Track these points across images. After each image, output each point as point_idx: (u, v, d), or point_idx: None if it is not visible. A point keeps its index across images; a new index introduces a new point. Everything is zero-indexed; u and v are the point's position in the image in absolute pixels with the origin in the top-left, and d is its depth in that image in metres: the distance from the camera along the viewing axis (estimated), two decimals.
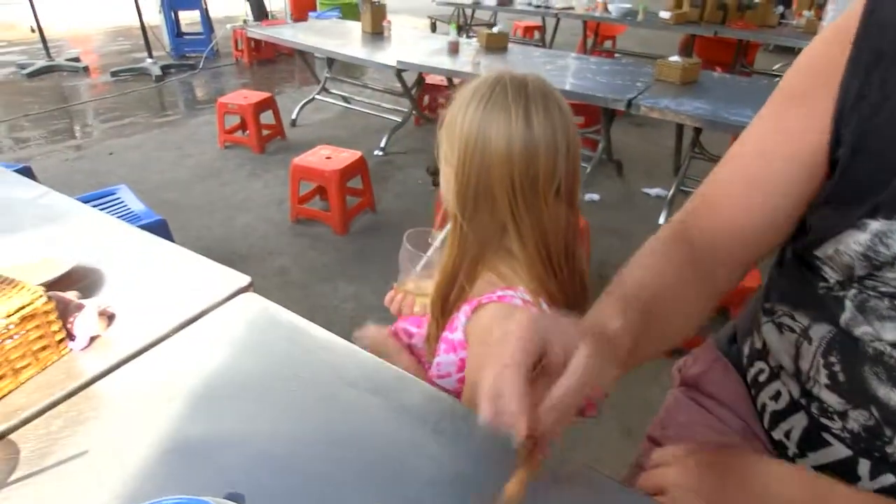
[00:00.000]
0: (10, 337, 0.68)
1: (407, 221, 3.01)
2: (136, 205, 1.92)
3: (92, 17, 8.72)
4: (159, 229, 1.81)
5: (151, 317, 0.83)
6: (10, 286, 0.72)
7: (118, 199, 1.96)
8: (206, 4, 6.19)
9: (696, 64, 2.87)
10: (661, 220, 2.89)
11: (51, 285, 0.85)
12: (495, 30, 3.68)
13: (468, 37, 5.95)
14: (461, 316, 0.84)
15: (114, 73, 5.50)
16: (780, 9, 4.99)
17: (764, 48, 6.17)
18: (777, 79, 5.62)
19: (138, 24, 5.33)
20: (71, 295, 0.81)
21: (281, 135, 4.01)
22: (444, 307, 0.84)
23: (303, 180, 2.89)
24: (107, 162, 3.67)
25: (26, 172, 2.12)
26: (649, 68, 3.15)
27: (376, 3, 4.03)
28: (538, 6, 5.32)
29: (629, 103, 2.58)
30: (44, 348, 0.73)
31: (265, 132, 3.87)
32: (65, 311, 0.76)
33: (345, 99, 4.57)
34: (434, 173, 3.35)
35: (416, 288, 0.99)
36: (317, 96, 4.42)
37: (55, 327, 0.74)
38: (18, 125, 4.24)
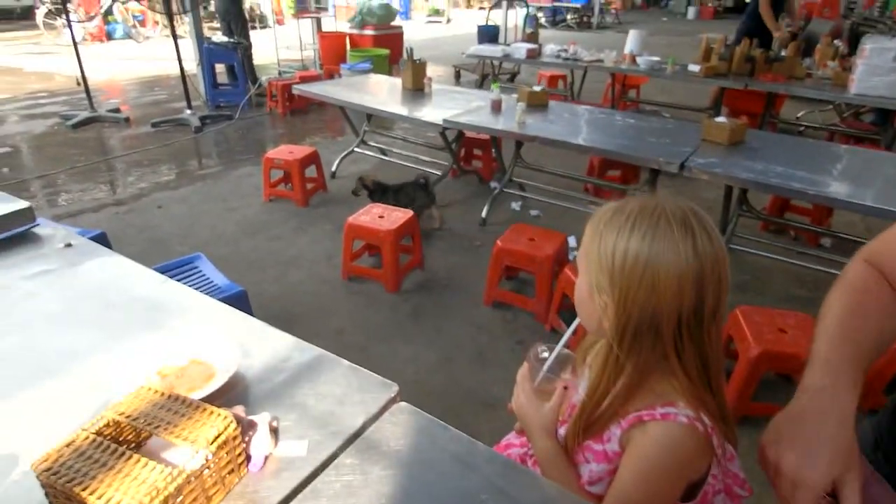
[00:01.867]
0: (208, 466, 0.70)
1: (456, 278, 3.05)
2: (214, 274, 1.96)
3: (126, 66, 9.03)
4: (240, 300, 1.85)
5: (309, 430, 0.85)
6: (201, 411, 0.75)
7: (196, 268, 2.00)
8: (242, 57, 6.40)
9: (743, 125, 2.92)
10: None
11: (211, 396, 0.87)
12: (531, 86, 3.77)
13: (494, 81, 6.08)
14: (615, 429, 0.85)
15: (154, 124, 5.66)
16: (807, 61, 5.10)
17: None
18: (804, 128, 5.70)
19: (171, 73, 5.51)
20: (239, 410, 0.83)
21: (323, 188, 4.09)
22: (590, 425, 0.85)
23: (356, 239, 2.94)
24: (156, 216, 3.75)
25: (102, 239, 2.19)
26: (693, 126, 3.21)
27: (417, 60, 4.15)
28: (567, 59, 5.45)
29: (682, 166, 2.62)
30: (231, 472, 0.75)
31: (309, 185, 3.95)
32: (242, 431, 0.78)
33: (382, 151, 4.66)
34: (366, 187, 3.41)
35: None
36: (355, 149, 4.51)
37: (238, 450, 0.76)
38: (66, 178, 4.36)
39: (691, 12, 18.35)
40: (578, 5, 15.36)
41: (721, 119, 2.98)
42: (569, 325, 0.93)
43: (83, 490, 0.63)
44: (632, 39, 5.37)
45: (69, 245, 1.42)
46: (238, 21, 6.45)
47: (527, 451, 1.06)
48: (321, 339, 2.53)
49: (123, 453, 0.68)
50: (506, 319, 2.68)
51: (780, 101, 5.49)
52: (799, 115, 6.24)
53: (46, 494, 0.68)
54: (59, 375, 0.96)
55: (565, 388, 0.93)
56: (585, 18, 15.58)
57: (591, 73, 5.78)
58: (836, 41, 5.89)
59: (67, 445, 0.69)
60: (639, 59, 5.15)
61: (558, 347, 0.94)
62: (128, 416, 0.74)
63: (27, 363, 0.99)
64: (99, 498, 0.62)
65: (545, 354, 0.95)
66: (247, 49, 6.47)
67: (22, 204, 1.51)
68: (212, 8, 13.15)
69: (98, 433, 0.71)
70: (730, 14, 16.80)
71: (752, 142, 2.97)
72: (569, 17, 15.55)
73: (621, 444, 0.84)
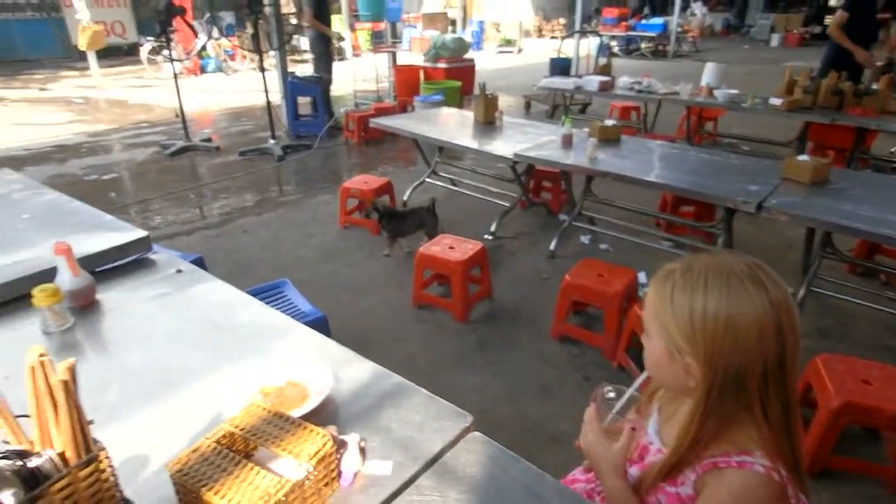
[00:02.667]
0: (309, 478, 0.79)
1: (524, 310, 3.09)
2: (298, 299, 2.11)
3: (216, 98, 9.75)
4: (321, 325, 1.98)
5: (392, 452, 0.93)
6: (302, 428, 0.84)
7: (282, 293, 2.16)
8: (322, 90, 6.80)
9: (827, 164, 2.82)
10: None
11: (307, 415, 0.97)
12: (602, 117, 3.80)
13: (566, 115, 6.14)
14: (689, 473, 0.87)
15: (241, 153, 6.09)
16: None
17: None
18: None
19: (256, 104, 5.91)
20: (332, 429, 0.93)
21: None
22: (672, 472, 0.88)
23: (426, 268, 3.05)
24: (242, 239, 4.04)
25: (200, 263, 2.39)
26: (773, 163, 3.13)
27: (489, 95, 4.29)
28: (640, 91, 5.44)
29: (759, 206, 2.57)
30: (326, 485, 0.84)
31: None
32: (335, 449, 0.87)
33: (452, 181, 4.80)
34: (378, 210, 3.54)
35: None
36: (427, 179, 4.68)
37: (333, 465, 0.85)
38: (163, 202, 4.76)
39: (775, 39, 17.71)
40: (654, 34, 15.18)
41: (803, 157, 2.90)
42: (637, 363, 0.96)
43: (208, 490, 0.74)
44: (709, 72, 5.29)
45: (179, 271, 1.59)
46: (324, 58, 6.86)
47: (594, 486, 1.09)
48: (391, 365, 2.64)
49: (239, 461, 0.79)
50: (572, 354, 2.69)
51: (872, 135, 5.21)
52: (893, 149, 5.89)
53: (177, 492, 0.79)
54: (178, 389, 1.10)
55: (633, 429, 0.97)
56: (661, 47, 15.37)
57: (666, 104, 5.72)
58: None
59: (194, 451, 0.80)
60: (716, 92, 5.06)
61: (629, 392, 0.97)
62: (241, 429, 0.85)
63: (151, 377, 1.14)
64: (222, 498, 0.72)
65: (611, 395, 0.99)
66: (326, 84, 6.87)
67: (141, 233, 1.71)
68: (296, 44, 14.04)
69: (218, 442, 0.82)
70: (817, 41, 16.05)
71: (837, 181, 2.87)
72: (643, 45, 15.40)
73: (695, 489, 0.87)
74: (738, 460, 0.81)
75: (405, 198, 4.59)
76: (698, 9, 18.28)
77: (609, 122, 3.75)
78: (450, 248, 3.01)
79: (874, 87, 4.69)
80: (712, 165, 3.27)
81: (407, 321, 3.00)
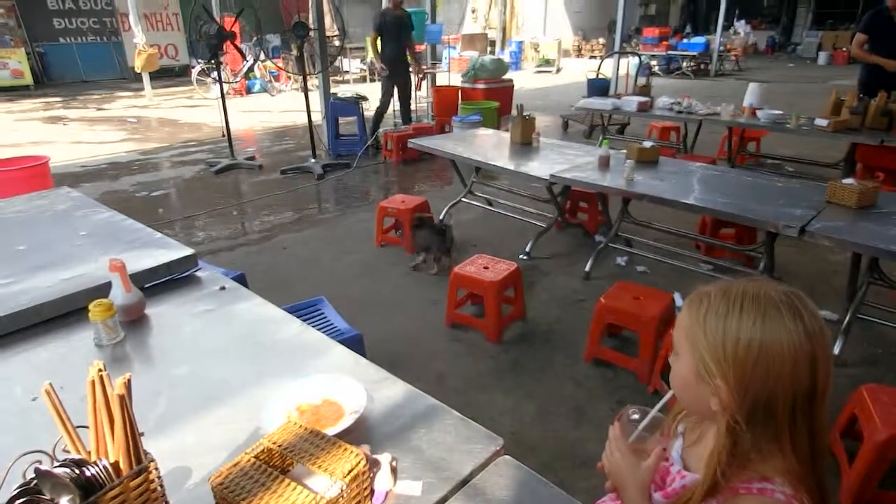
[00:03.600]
0: (343, 496, 0.82)
1: (558, 331, 3.07)
2: (334, 317, 2.17)
3: (260, 117, 10.09)
4: (356, 343, 2.02)
5: (423, 472, 0.95)
6: (337, 447, 0.87)
7: (319, 311, 2.22)
8: (362, 110, 6.96)
9: (874, 187, 2.74)
10: (837, 349, 2.69)
11: (342, 433, 1.01)
12: (641, 137, 3.78)
13: (604, 136, 6.12)
14: (711, 500, 0.86)
15: (282, 171, 6.28)
16: None
17: None
18: None
19: (298, 123, 6.09)
20: (365, 448, 0.96)
21: None
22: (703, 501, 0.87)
23: (460, 288, 3.07)
24: (282, 256, 4.15)
25: (241, 279, 2.48)
26: (818, 186, 3.05)
27: (527, 116, 4.32)
28: (680, 112, 5.38)
29: (802, 230, 2.50)
30: (358, 503, 0.86)
31: None
32: (368, 468, 0.90)
33: (488, 202, 4.84)
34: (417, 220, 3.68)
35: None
36: (463, 199, 4.72)
37: (366, 484, 0.87)
38: (208, 218, 4.94)
39: (822, 57, 17.26)
40: (695, 52, 15.01)
41: (849, 180, 2.82)
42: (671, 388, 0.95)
43: None
44: (751, 93, 5.21)
45: (223, 288, 1.66)
46: (385, 85, 6.92)
47: None
48: (423, 384, 2.66)
49: (277, 476, 0.82)
50: (606, 378, 2.66)
51: None
52: None
53: None
54: (220, 403, 1.15)
55: (663, 448, 0.96)
56: (703, 66, 15.18)
57: (707, 124, 5.65)
58: None
59: (234, 465, 0.84)
60: (759, 113, 4.98)
61: (654, 411, 0.97)
62: (279, 445, 0.88)
63: (195, 391, 1.19)
64: None
65: (635, 416, 0.99)
66: (380, 108, 6.98)
67: (188, 251, 1.79)
68: (339, 65, 14.38)
69: (257, 457, 0.86)
70: None
71: (885, 205, 2.77)
72: (684, 64, 15.23)
73: None
74: (758, 487, 0.80)
75: (441, 216, 4.64)
76: (741, 27, 17.99)
77: (647, 144, 3.72)
78: (484, 268, 3.03)
79: None
80: (754, 187, 3.21)
81: (440, 340, 3.02)
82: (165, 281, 1.71)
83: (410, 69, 7.01)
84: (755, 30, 20.04)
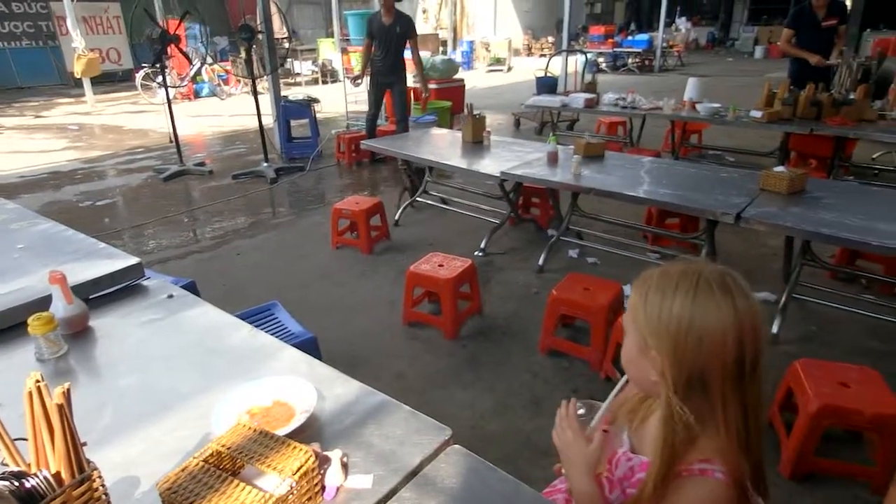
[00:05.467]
0: (292, 493, 0.84)
1: (514, 325, 3.14)
2: (288, 321, 2.16)
3: (210, 122, 9.85)
4: (310, 346, 2.02)
5: (374, 466, 0.98)
6: (286, 446, 0.89)
7: (272, 315, 2.21)
8: (314, 112, 6.90)
9: (803, 174, 2.91)
10: (775, 328, 2.84)
11: (293, 433, 1.02)
12: (590, 133, 3.89)
13: (553, 133, 6.25)
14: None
15: (234, 176, 6.16)
16: (878, 103, 4.96)
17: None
18: (879, 171, 5.48)
19: (250, 127, 5.97)
20: (315, 446, 0.97)
21: (386, 236, 4.32)
22: (656, 489, 0.91)
23: (416, 286, 3.10)
24: (235, 262, 4.08)
25: (192, 287, 2.44)
26: (754, 175, 3.21)
27: (477, 115, 4.38)
28: (625, 107, 5.55)
29: (738, 217, 2.64)
30: (309, 499, 0.88)
31: (373, 233, 4.18)
32: (318, 464, 0.92)
33: (443, 200, 4.87)
34: None
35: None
36: (417, 198, 4.74)
37: (316, 480, 0.89)
38: (157, 227, 4.81)
39: (758, 51, 18.06)
40: (639, 49, 15.46)
41: (780, 168, 2.98)
42: (623, 374, 1.00)
43: None
44: (691, 87, 5.41)
45: (171, 296, 1.64)
46: (370, 95, 6.23)
47: None
48: (382, 383, 2.68)
49: (226, 478, 0.83)
50: (561, 367, 2.73)
51: (852, 144, 5.33)
52: (874, 156, 6.01)
53: None
54: (169, 411, 1.14)
55: (605, 431, 1.01)
56: (647, 62, 15.64)
57: (651, 118, 5.84)
58: None
59: (182, 470, 0.85)
60: (699, 106, 5.18)
61: (605, 404, 1.02)
62: (228, 448, 0.89)
63: (143, 400, 1.18)
64: None
65: (581, 411, 1.04)
66: (370, 117, 6.28)
67: (133, 260, 1.76)
68: (290, 67, 14.16)
69: (205, 461, 0.87)
70: None
71: (813, 190, 2.95)
72: (630, 61, 15.66)
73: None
74: (699, 467, 0.86)
75: (396, 217, 4.65)
76: (682, 24, 18.62)
77: (592, 139, 3.83)
78: (439, 265, 3.06)
79: (851, 96, 4.80)
80: (694, 178, 3.35)
81: (397, 339, 3.04)
82: (111, 292, 1.68)
83: (414, 79, 6.51)
84: (695, 26, 20.78)
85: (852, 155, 5.58)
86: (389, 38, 5.80)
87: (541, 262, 3.72)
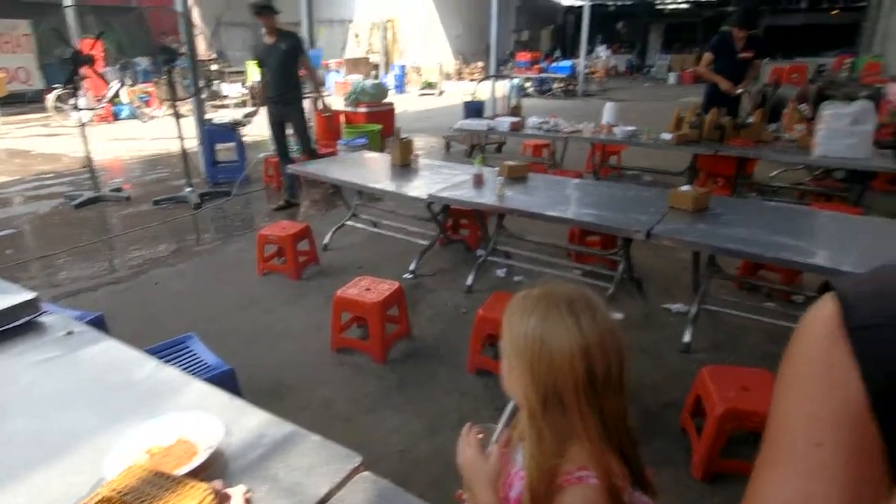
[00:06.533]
0: None
1: (443, 346, 3.16)
2: (204, 353, 2.08)
3: (130, 146, 9.43)
4: (227, 378, 1.96)
5: (278, 500, 0.96)
6: (183, 485, 0.86)
7: (187, 348, 2.13)
8: (240, 136, 6.75)
9: (706, 193, 3.12)
10: (687, 337, 3.01)
11: (194, 471, 0.99)
12: (517, 155, 4.01)
13: (481, 155, 6.40)
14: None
15: (155, 202, 5.91)
16: (773, 126, 5.40)
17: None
18: (777, 188, 5.94)
19: (173, 151, 5.77)
20: (217, 483, 0.94)
21: (315, 260, 4.26)
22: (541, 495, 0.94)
23: (344, 311, 3.07)
24: (153, 292, 3.90)
25: (99, 322, 2.32)
26: (664, 194, 3.40)
27: (404, 139, 4.42)
28: (548, 130, 5.77)
29: (648, 234, 2.79)
30: None
31: (301, 259, 4.11)
32: (219, 503, 0.89)
33: (373, 223, 4.87)
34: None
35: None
36: (347, 222, 4.72)
37: None
38: (67, 258, 4.53)
39: (672, 77, 19.28)
40: (563, 75, 16.16)
41: (686, 187, 3.18)
42: None
43: None
44: (608, 111, 5.71)
45: (70, 333, 1.55)
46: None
47: None
48: (309, 412, 2.63)
49: None
50: (488, 386, 2.77)
51: (752, 163, 5.77)
52: (773, 174, 6.52)
53: None
54: (61, 455, 1.07)
55: (504, 447, 1.04)
56: (571, 87, 16.35)
57: (574, 140, 6.09)
58: (802, 105, 6.26)
59: None
60: (615, 130, 5.46)
61: (500, 426, 1.06)
62: (119, 492, 0.85)
63: (32, 445, 1.11)
64: None
65: (480, 435, 1.07)
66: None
67: (29, 295, 1.65)
68: (217, 90, 13.80)
69: None
70: None
71: (716, 208, 3.16)
72: (555, 86, 16.31)
73: None
74: (577, 475, 0.90)
75: (325, 241, 4.60)
76: (602, 51, 19.66)
77: (515, 162, 3.96)
78: (366, 289, 3.05)
79: (750, 120, 5.21)
80: (611, 198, 3.52)
81: (326, 366, 2.99)
82: (3, 330, 1.57)
83: (317, 99, 6.16)
84: (615, 53, 22.00)
85: (753, 174, 6.04)
86: (276, 59, 5.32)
87: (469, 282, 3.78)
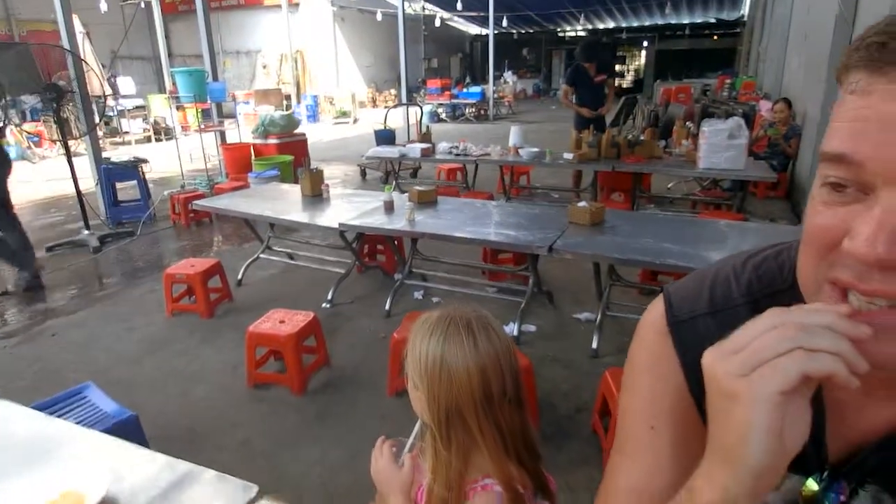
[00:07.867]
0: None
1: (363, 372, 3.16)
2: (104, 402, 1.98)
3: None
4: (130, 425, 1.88)
5: None
6: None
7: (85, 398, 2.01)
8: (143, 173, 6.47)
9: (601, 207, 3.34)
10: (594, 344, 3.18)
11: None
12: (432, 179, 4.11)
13: (395, 182, 6.51)
14: None
15: (49, 249, 5.52)
16: (663, 142, 5.86)
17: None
18: (672, 199, 6.43)
19: (68, 193, 5.44)
20: None
21: (228, 297, 4.13)
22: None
23: (259, 346, 3.01)
24: (49, 345, 3.64)
25: None
26: (565, 210, 3.61)
27: (314, 170, 4.42)
28: (458, 154, 5.95)
29: (550, 248, 2.95)
30: None
31: (213, 296, 3.98)
32: None
33: (289, 255, 4.80)
34: None
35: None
36: (261, 255, 4.63)
37: None
38: None
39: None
40: (474, 101, 16.70)
41: (582, 203, 3.40)
42: None
43: None
44: (514, 134, 5.98)
45: None
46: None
47: None
48: (227, 453, 2.56)
49: None
50: (408, 407, 2.78)
51: (648, 177, 6.21)
52: (669, 186, 7.05)
53: None
54: None
55: (415, 456, 1.09)
56: (483, 111, 16.91)
57: (484, 163, 6.30)
58: (688, 123, 6.84)
59: None
60: (521, 151, 5.72)
61: (411, 439, 1.10)
62: None
63: None
64: None
65: (394, 449, 1.11)
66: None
67: None
68: (117, 126, 13.11)
69: None
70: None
71: (612, 221, 3.39)
72: (467, 111, 16.81)
73: None
74: (482, 484, 0.96)
75: (239, 276, 4.48)
76: (510, 77, 20.52)
77: (423, 187, 4.06)
78: (280, 322, 3.01)
79: (642, 138, 5.63)
80: (517, 216, 3.68)
81: (242, 404, 2.91)
82: None
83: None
84: (521, 78, 23.01)
85: (650, 187, 6.49)
86: None
87: (387, 306, 3.80)
